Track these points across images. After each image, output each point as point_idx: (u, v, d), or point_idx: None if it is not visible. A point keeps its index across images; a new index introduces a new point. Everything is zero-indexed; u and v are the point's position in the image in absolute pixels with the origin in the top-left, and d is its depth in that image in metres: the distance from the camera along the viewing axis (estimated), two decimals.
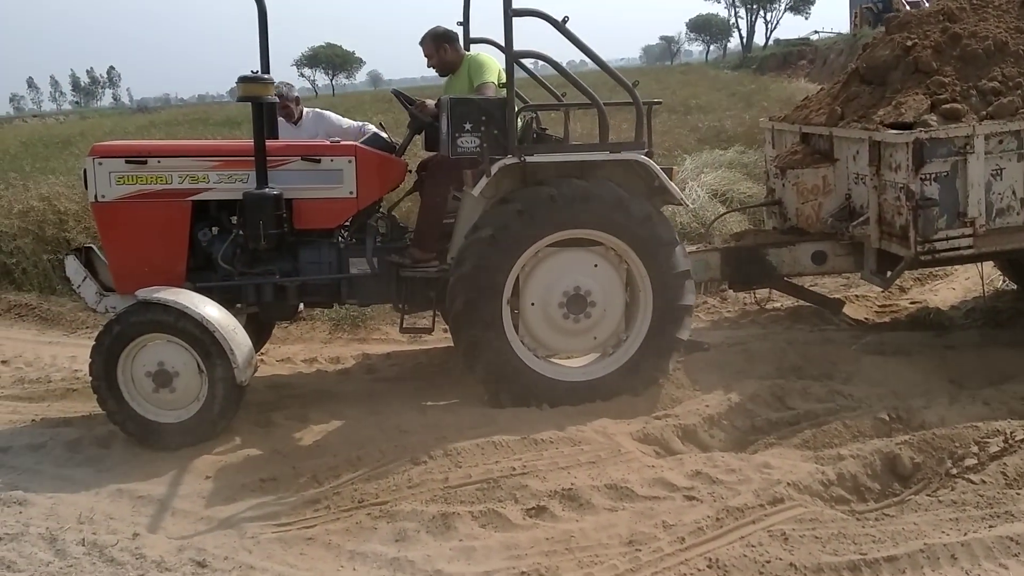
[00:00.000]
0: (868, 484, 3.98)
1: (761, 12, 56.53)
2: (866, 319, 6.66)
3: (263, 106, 5.04)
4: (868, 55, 6.07)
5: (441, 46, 5.61)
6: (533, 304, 5.03)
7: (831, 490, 3.92)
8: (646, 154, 5.01)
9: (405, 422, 4.74)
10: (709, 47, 71.72)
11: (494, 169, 4.82)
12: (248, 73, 5.02)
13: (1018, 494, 3.73)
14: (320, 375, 6.06)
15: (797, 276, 6.23)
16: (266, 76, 5.06)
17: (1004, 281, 7.33)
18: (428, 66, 5.72)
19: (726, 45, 68.50)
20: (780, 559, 3.29)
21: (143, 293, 4.73)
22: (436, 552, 3.52)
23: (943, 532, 3.42)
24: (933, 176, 5.02)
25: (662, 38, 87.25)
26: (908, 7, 41.78)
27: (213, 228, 5.23)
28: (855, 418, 4.55)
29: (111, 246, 5.14)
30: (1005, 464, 3.97)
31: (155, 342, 4.70)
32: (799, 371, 5.29)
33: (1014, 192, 5.14)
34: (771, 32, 56.59)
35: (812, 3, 57.64)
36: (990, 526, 3.45)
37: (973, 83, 5.32)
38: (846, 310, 6.61)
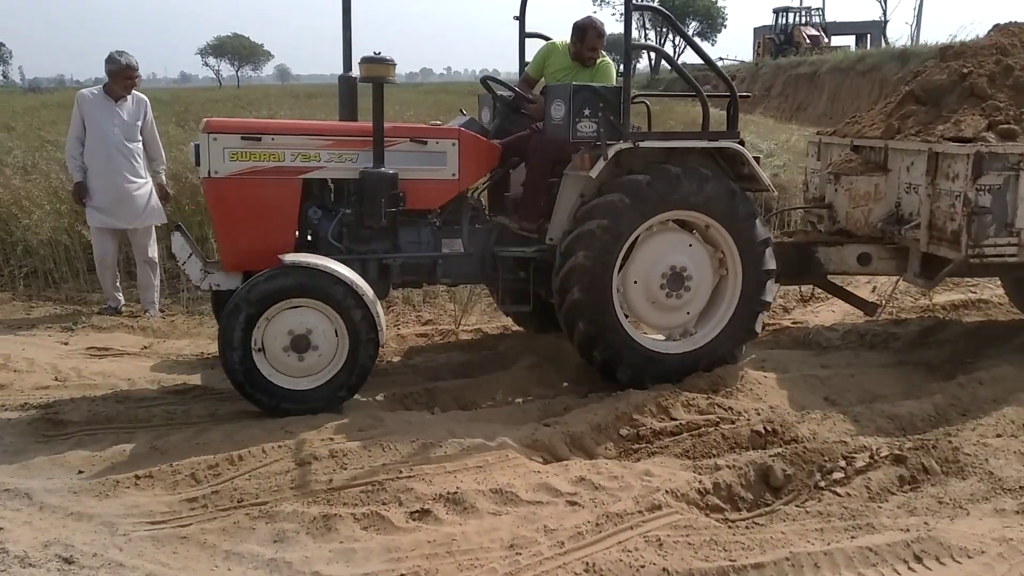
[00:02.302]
0: (742, 494, 4.12)
1: (670, 36, 57.92)
2: None
3: (383, 87, 5.13)
4: (924, 79, 6.61)
5: (603, 42, 5.94)
6: (636, 283, 5.43)
7: (707, 498, 4.04)
8: (738, 143, 5.45)
9: (291, 422, 4.65)
10: (620, 67, 72.88)
11: (611, 153, 5.14)
12: (371, 54, 5.06)
13: (880, 507, 3.94)
14: (206, 370, 5.91)
15: (841, 275, 6.65)
16: (389, 58, 5.09)
17: (881, 304, 7.71)
18: (585, 56, 5.86)
19: (635, 66, 69.92)
20: (654, 564, 3.38)
21: (289, 258, 4.78)
22: (315, 554, 3.47)
23: (808, 541, 3.56)
24: (987, 187, 5.49)
25: None
26: (808, 40, 43.57)
27: (321, 207, 5.33)
28: (733, 430, 4.71)
29: (221, 221, 5.15)
30: (869, 478, 4.17)
31: (296, 308, 4.75)
32: (685, 383, 5.43)
33: None
34: (678, 56, 57.92)
35: (719, 31, 59.43)
36: (852, 537, 3.61)
37: None
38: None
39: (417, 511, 3.77)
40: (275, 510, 3.75)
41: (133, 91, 7.07)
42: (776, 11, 45.58)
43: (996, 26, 6.89)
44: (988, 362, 5.91)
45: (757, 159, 5.56)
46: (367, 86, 5.18)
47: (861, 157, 6.56)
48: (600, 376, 5.41)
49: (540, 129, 5.63)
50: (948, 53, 6.71)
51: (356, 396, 5.07)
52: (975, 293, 8.03)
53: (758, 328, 5.67)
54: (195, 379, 5.70)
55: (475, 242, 5.61)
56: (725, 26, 59.12)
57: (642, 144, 5.27)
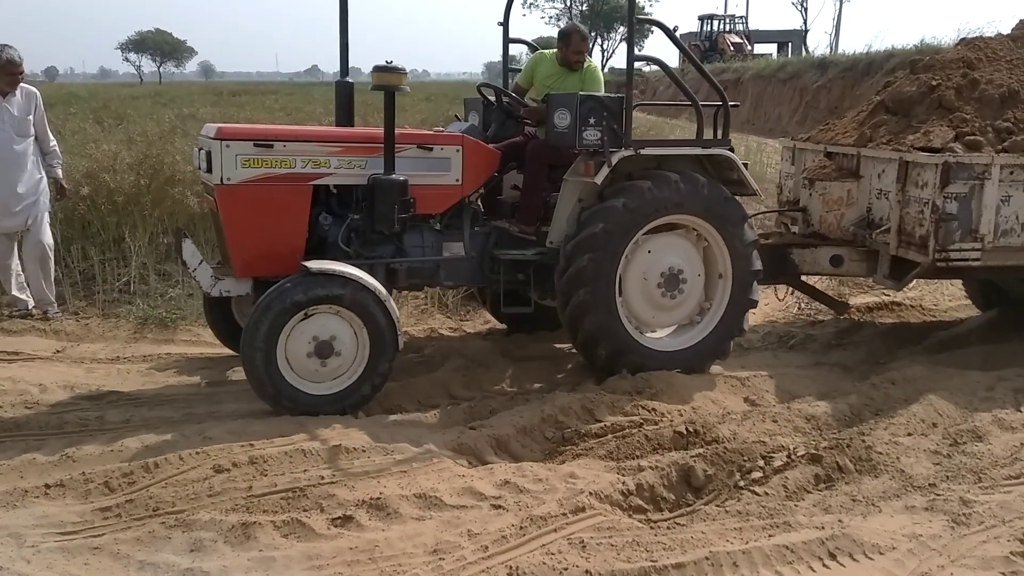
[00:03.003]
0: (664, 494, 4.17)
1: (598, 41, 58.52)
2: None
3: (395, 95, 5.24)
4: (895, 90, 6.87)
5: (588, 46, 6.15)
6: (635, 291, 5.66)
7: (630, 499, 4.08)
8: (729, 150, 5.77)
9: (210, 428, 4.56)
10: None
11: (615, 159, 5.38)
12: (383, 63, 5.16)
13: (796, 506, 4.03)
14: (121, 376, 5.74)
15: (814, 275, 6.94)
16: (400, 67, 5.20)
17: (799, 307, 7.93)
18: (572, 61, 5.99)
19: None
20: (577, 566, 3.39)
21: (315, 265, 4.86)
22: (233, 563, 3.40)
23: (727, 541, 3.62)
24: (954, 196, 5.77)
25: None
26: (732, 48, 44.44)
27: (329, 212, 5.44)
28: (657, 431, 4.76)
29: (233, 228, 5.17)
30: (787, 477, 4.27)
31: (321, 315, 4.85)
32: (609, 385, 5.48)
33: (1017, 216, 5.90)
34: (606, 61, 58.67)
35: (646, 36, 60.21)
36: (769, 535, 3.69)
37: (989, 122, 6.14)
38: None
39: (339, 517, 3.72)
40: (192, 518, 3.66)
41: (21, 85, 6.79)
42: (701, 18, 46.45)
43: (963, 40, 7.27)
44: (900, 363, 6.11)
45: (746, 165, 5.87)
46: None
47: (834, 163, 6.83)
48: (603, 374, 5.61)
49: (534, 135, 5.95)
50: (918, 66, 7.02)
51: None
52: (889, 296, 8.29)
53: (745, 326, 5.97)
54: (110, 384, 5.52)
55: (475, 246, 5.78)
56: (651, 32, 59.97)
57: (643, 151, 5.53)
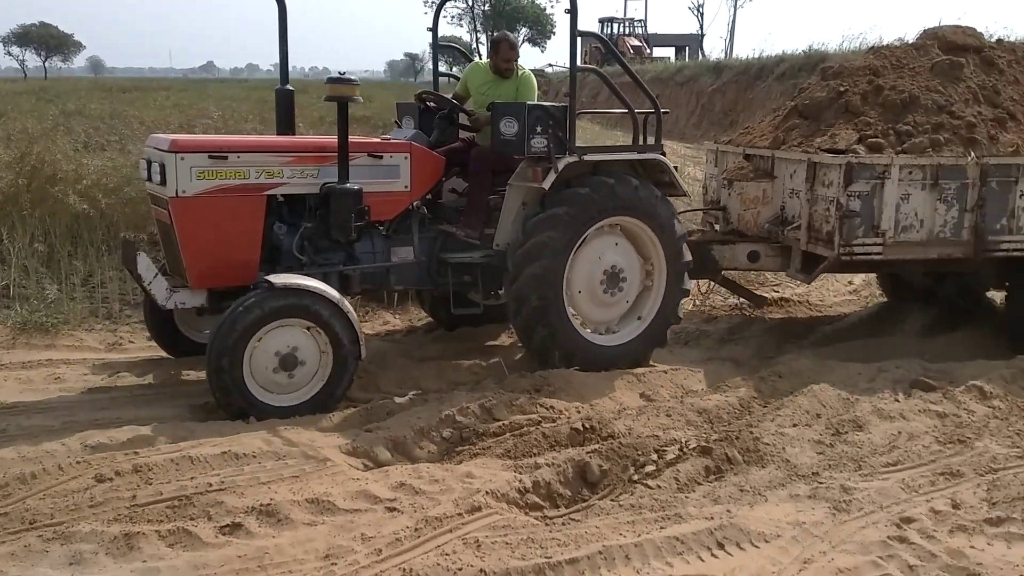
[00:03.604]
0: (560, 490, 4.20)
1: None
2: None
3: (347, 105, 5.29)
4: (806, 95, 7.27)
5: (517, 53, 6.26)
6: (580, 286, 5.90)
7: (527, 497, 4.09)
8: (661, 154, 6.10)
9: (92, 436, 4.37)
10: (452, 68, 73.32)
11: (561, 165, 5.63)
12: (336, 74, 5.25)
13: (687, 497, 4.12)
14: None
15: (733, 271, 7.25)
16: (353, 78, 5.30)
17: (694, 304, 8.12)
18: (502, 68, 6.20)
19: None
20: (472, 566, 3.38)
21: (278, 280, 4.89)
22: (115, 575, 3.26)
23: (620, 534, 3.67)
24: (857, 194, 6.13)
25: (406, 54, 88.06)
26: (632, 51, 45.30)
27: (282, 222, 5.50)
28: (554, 428, 4.80)
29: (188, 240, 5.16)
30: (679, 470, 4.36)
31: (285, 328, 4.88)
32: (508, 384, 5.50)
33: (916, 213, 6.27)
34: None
35: (548, 38, 60.75)
36: (661, 527, 3.75)
37: (891, 125, 6.51)
38: None
39: (227, 525, 3.62)
40: (71, 531, 3.50)
41: None
42: (601, 21, 47.21)
43: (871, 48, 7.71)
44: (788, 357, 6.35)
45: (676, 168, 6.22)
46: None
47: (752, 165, 7.16)
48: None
49: (473, 141, 6.17)
50: (828, 73, 7.41)
51: (165, 407, 4.84)
52: (778, 292, 8.58)
53: (680, 313, 6.30)
54: None
55: (424, 249, 5.94)
56: (554, 33, 60.53)
57: (586, 157, 5.78)
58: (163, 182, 5.10)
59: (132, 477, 3.94)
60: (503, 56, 6.16)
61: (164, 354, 6.02)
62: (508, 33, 6.39)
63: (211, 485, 3.91)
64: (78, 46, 69.50)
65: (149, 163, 5.29)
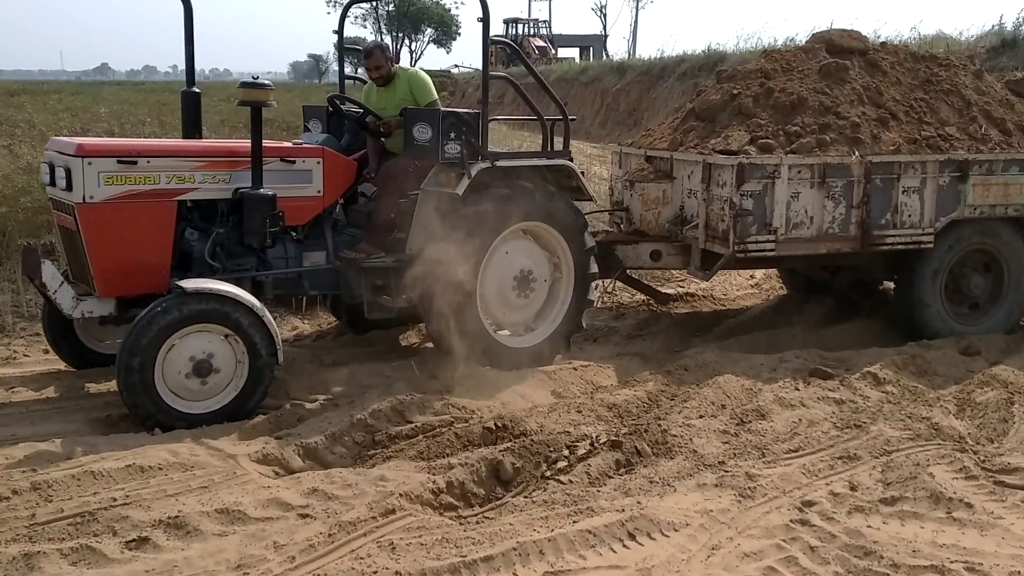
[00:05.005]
0: (474, 490, 4.23)
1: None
2: None
3: (261, 110, 5.26)
4: (703, 98, 7.44)
5: (388, 58, 6.21)
6: (491, 287, 5.89)
7: (441, 498, 4.11)
8: (568, 159, 6.18)
9: None
10: (357, 71, 72.51)
11: (474, 171, 5.62)
12: (249, 79, 5.23)
13: (599, 491, 4.19)
14: None
15: (637, 269, 7.39)
16: (267, 83, 5.30)
17: (602, 301, 8.24)
18: (372, 77, 6.20)
19: None
20: (387, 568, 3.38)
21: (189, 284, 4.77)
22: None
23: (534, 530, 3.72)
24: (750, 193, 6.32)
25: (310, 56, 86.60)
26: (537, 51, 45.54)
27: (194, 227, 5.38)
28: (467, 428, 4.82)
29: (96, 248, 5.00)
30: (590, 465, 4.44)
31: (198, 333, 4.78)
32: (421, 386, 5.49)
33: (806, 211, 6.49)
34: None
35: (454, 39, 60.80)
36: (574, 521, 3.82)
37: (781, 126, 6.71)
38: None
39: (134, 540, 3.53)
40: None
41: None
42: (506, 22, 47.37)
43: (764, 52, 7.97)
44: (693, 350, 6.52)
45: (582, 173, 6.37)
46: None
47: (653, 166, 7.30)
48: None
49: (381, 147, 6.12)
50: (723, 76, 7.60)
51: (64, 422, 4.68)
52: (683, 287, 8.80)
53: (584, 323, 6.38)
54: None
55: (338, 255, 5.84)
56: (459, 34, 60.62)
57: (498, 163, 5.80)
58: (68, 187, 4.94)
59: (31, 495, 3.80)
60: (368, 66, 6.17)
61: (62, 367, 5.80)
62: (372, 42, 6.45)
63: (115, 500, 3.81)
64: None
65: (52, 167, 5.12)
